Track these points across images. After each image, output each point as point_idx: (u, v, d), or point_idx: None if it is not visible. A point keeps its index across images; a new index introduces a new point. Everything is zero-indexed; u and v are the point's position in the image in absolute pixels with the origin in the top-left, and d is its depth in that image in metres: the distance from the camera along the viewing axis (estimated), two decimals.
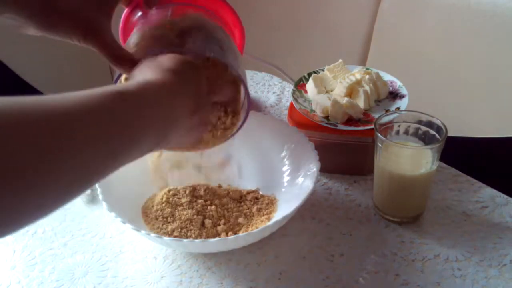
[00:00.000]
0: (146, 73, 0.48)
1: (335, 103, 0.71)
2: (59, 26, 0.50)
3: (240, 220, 0.64)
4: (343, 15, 1.32)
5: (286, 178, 0.71)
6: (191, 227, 0.62)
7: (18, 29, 0.51)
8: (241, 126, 0.59)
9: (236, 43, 0.62)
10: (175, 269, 0.62)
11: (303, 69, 0.84)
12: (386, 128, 0.66)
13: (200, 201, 0.64)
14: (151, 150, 0.45)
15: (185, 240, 0.59)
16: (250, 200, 0.67)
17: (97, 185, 0.62)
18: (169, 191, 0.66)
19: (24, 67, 1.26)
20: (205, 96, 0.52)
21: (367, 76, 0.76)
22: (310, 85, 0.79)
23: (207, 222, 0.63)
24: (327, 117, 0.73)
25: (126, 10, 0.59)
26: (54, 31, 0.50)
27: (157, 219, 0.64)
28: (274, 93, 0.97)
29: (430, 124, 0.65)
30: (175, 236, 0.61)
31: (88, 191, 0.73)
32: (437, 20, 1.15)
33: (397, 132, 0.67)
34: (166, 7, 0.59)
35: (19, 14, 0.49)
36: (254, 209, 0.66)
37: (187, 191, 0.65)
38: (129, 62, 0.51)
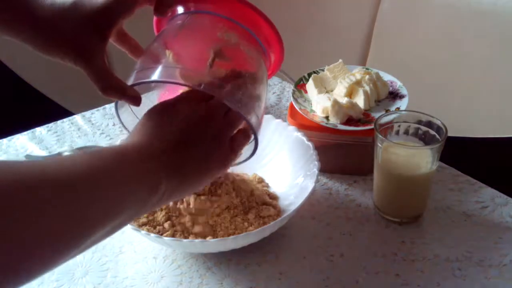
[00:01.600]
0: (135, 136, 0.48)
1: (335, 103, 0.71)
2: (51, 49, 0.49)
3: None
4: (343, 15, 1.32)
5: (286, 178, 0.71)
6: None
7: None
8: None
9: (271, 60, 0.60)
10: (175, 269, 0.62)
11: (303, 69, 0.84)
12: (386, 128, 0.66)
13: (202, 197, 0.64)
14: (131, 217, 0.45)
15: (185, 240, 0.59)
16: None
17: None
18: None
19: (24, 67, 1.26)
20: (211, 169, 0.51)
21: (367, 76, 0.76)
22: (310, 85, 0.79)
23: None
24: (327, 117, 0.73)
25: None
26: (47, 54, 0.50)
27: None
28: (274, 93, 0.97)
29: (430, 124, 0.65)
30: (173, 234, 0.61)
31: None
32: (437, 20, 1.16)
33: (397, 132, 0.67)
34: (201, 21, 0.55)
35: (14, 38, 0.49)
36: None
37: None
38: (116, 92, 0.50)
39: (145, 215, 0.63)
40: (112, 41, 0.55)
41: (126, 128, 0.56)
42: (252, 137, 0.54)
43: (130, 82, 0.51)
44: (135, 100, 0.51)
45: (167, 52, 0.53)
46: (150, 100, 0.57)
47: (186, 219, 0.62)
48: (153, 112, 0.51)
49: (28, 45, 0.50)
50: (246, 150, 0.57)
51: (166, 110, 0.50)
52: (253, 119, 0.52)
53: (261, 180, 0.72)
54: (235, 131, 0.53)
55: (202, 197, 0.63)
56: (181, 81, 0.50)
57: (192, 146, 0.49)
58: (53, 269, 0.37)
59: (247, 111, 0.51)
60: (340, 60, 0.81)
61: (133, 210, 0.43)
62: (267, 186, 0.72)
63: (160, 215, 0.62)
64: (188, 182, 0.49)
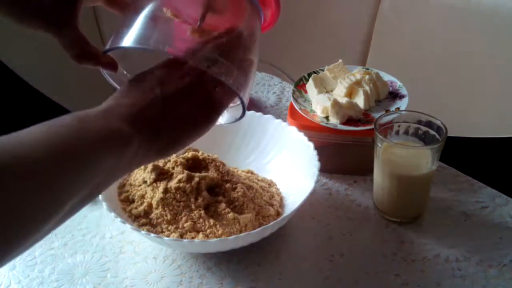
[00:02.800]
0: (111, 97, 0.47)
1: (335, 103, 0.71)
2: (26, 19, 0.50)
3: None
4: (343, 15, 1.32)
5: (286, 178, 0.71)
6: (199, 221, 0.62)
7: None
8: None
9: (266, 15, 0.58)
10: (175, 269, 0.62)
11: (303, 69, 0.84)
12: (386, 128, 0.66)
13: (204, 193, 0.64)
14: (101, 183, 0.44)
15: (185, 240, 0.59)
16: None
17: None
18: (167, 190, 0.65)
19: (24, 67, 1.26)
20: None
21: (367, 76, 0.76)
22: (310, 85, 0.79)
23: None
24: (327, 117, 0.73)
25: None
26: (24, 24, 0.50)
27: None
28: (274, 93, 0.97)
29: (430, 124, 0.65)
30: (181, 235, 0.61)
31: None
32: (437, 20, 1.15)
33: (397, 132, 0.67)
34: None
35: None
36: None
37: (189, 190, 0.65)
38: (90, 60, 0.49)
39: (145, 215, 0.63)
40: (104, 6, 0.54)
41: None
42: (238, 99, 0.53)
43: (105, 48, 0.50)
44: (111, 67, 0.51)
45: (149, 9, 0.51)
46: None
47: (187, 218, 0.62)
48: (131, 80, 0.50)
49: (6, 18, 0.50)
50: (234, 110, 0.56)
51: (143, 75, 0.50)
52: (231, 81, 0.50)
53: (265, 180, 0.72)
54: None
55: (204, 193, 0.63)
56: (154, 47, 0.48)
57: (170, 102, 0.48)
58: (22, 250, 0.38)
59: (227, 73, 0.50)
60: (340, 60, 0.81)
61: (104, 175, 0.43)
62: (274, 184, 0.72)
63: (159, 212, 0.62)
64: (165, 139, 0.48)
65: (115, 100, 0.47)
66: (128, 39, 0.48)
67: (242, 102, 0.52)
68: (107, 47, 0.49)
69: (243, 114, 0.54)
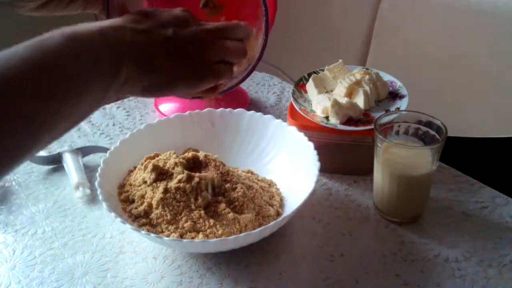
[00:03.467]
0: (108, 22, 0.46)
1: (335, 103, 0.71)
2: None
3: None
4: (343, 15, 1.32)
5: (286, 178, 0.71)
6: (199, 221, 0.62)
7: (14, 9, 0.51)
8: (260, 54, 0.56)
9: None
10: (175, 269, 0.62)
11: (303, 69, 0.84)
12: (386, 128, 0.66)
13: (203, 193, 0.64)
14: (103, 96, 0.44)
15: (185, 240, 0.59)
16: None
17: (96, 185, 0.63)
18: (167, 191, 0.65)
19: None
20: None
21: (367, 76, 0.76)
22: (310, 85, 0.79)
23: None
24: (327, 117, 0.73)
25: None
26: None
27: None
28: (274, 93, 0.97)
29: (430, 124, 0.65)
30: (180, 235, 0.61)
31: (88, 191, 0.73)
32: (437, 20, 1.15)
33: (397, 132, 0.67)
34: None
35: None
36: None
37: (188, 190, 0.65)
38: None
39: (145, 215, 0.63)
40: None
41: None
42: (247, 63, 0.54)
43: None
44: None
45: None
46: None
47: (187, 218, 0.62)
48: (144, 10, 0.50)
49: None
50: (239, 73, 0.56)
51: (161, 11, 0.49)
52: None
53: (265, 180, 0.72)
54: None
55: (203, 193, 0.63)
56: None
57: (177, 47, 0.48)
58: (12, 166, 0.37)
59: None
60: (340, 60, 0.81)
61: (93, 96, 0.42)
62: (274, 184, 0.72)
63: (159, 213, 0.62)
64: (156, 75, 0.48)
65: (121, 23, 0.46)
66: None
67: (264, 45, 0.53)
68: None
69: (252, 70, 0.55)
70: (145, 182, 0.66)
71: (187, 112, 0.77)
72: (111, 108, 0.94)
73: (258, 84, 0.99)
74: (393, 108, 0.74)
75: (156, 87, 0.49)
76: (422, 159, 0.63)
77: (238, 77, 0.62)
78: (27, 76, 0.37)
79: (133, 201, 0.66)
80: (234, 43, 0.54)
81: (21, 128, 0.36)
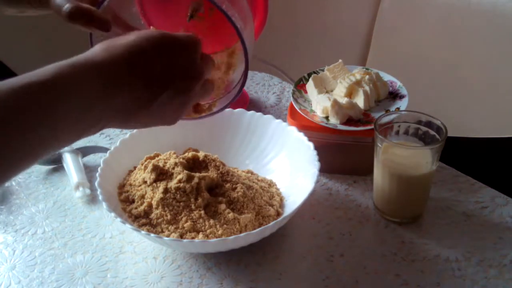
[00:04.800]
0: (95, 49, 0.44)
1: (335, 103, 0.71)
2: None
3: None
4: (343, 15, 1.32)
5: (286, 178, 0.71)
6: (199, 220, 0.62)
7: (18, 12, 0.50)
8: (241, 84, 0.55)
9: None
10: (175, 269, 0.62)
11: (303, 69, 0.84)
12: (386, 128, 0.66)
13: (204, 193, 0.64)
14: (75, 137, 0.42)
15: (185, 240, 0.59)
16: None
17: (96, 185, 0.63)
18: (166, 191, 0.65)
19: (24, 67, 1.26)
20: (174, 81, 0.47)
21: (367, 76, 0.76)
22: (310, 85, 0.79)
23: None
24: (327, 117, 0.73)
25: None
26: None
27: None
28: (274, 93, 0.97)
29: (430, 124, 0.65)
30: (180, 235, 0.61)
31: (88, 192, 0.73)
32: (437, 20, 1.16)
33: (397, 132, 0.67)
34: None
35: None
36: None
37: (189, 190, 0.65)
38: (83, 17, 0.47)
39: (145, 215, 0.63)
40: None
41: None
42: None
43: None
44: (104, 25, 0.48)
45: None
46: None
47: (187, 219, 0.62)
48: (131, 50, 0.46)
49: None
50: (223, 101, 0.56)
51: (147, 51, 0.46)
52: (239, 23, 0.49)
53: (265, 180, 0.72)
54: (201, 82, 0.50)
55: (203, 194, 0.63)
56: None
57: (164, 102, 0.46)
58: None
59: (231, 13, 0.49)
60: (340, 60, 0.81)
61: (68, 138, 0.42)
62: (274, 184, 0.72)
63: (159, 213, 0.62)
64: (132, 125, 0.47)
65: (120, 68, 0.44)
66: None
67: (245, 75, 0.53)
68: None
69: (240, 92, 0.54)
70: (145, 182, 0.66)
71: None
72: None
73: (258, 84, 0.99)
74: (393, 108, 0.74)
75: (133, 127, 0.51)
76: (422, 159, 0.63)
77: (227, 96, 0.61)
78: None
79: (133, 201, 0.66)
80: (207, 90, 0.53)
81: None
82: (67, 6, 0.47)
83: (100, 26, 0.49)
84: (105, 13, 0.50)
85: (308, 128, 0.72)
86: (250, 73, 1.03)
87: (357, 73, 0.78)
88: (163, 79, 0.46)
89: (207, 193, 0.64)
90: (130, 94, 0.44)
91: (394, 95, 0.77)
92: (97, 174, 0.64)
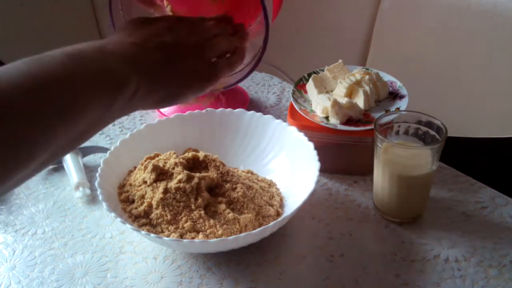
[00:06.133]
0: (111, 36, 0.45)
1: (335, 103, 0.71)
2: None
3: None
4: (343, 15, 1.32)
5: (286, 178, 0.71)
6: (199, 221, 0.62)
7: None
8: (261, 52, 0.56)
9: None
10: (175, 270, 0.62)
11: (303, 69, 0.84)
12: (386, 128, 0.66)
13: (204, 194, 0.64)
14: (100, 117, 0.42)
15: (185, 240, 0.59)
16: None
17: (96, 185, 0.63)
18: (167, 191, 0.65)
19: None
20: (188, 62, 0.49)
21: (367, 77, 0.76)
22: (310, 85, 0.79)
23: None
24: (327, 117, 0.73)
25: None
26: None
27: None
28: (274, 93, 0.97)
29: (430, 125, 0.65)
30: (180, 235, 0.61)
31: (88, 192, 0.73)
32: (437, 20, 1.15)
33: (397, 133, 0.67)
34: None
35: None
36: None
37: (188, 190, 0.65)
38: None
39: (145, 215, 0.63)
40: None
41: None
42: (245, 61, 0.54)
43: None
44: None
45: None
46: None
47: (187, 219, 0.62)
48: (136, 19, 0.49)
49: None
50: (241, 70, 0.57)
51: (154, 19, 0.48)
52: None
53: (265, 180, 0.72)
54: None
55: (203, 194, 0.63)
56: None
57: (179, 52, 0.47)
58: (5, 189, 0.36)
59: None
60: (340, 60, 0.81)
61: (93, 117, 0.40)
62: (274, 184, 0.72)
63: (159, 213, 0.62)
64: (168, 88, 0.47)
65: (118, 38, 0.45)
66: None
67: (265, 44, 0.53)
68: None
69: (258, 62, 0.55)
70: (145, 182, 0.66)
71: (187, 112, 0.77)
72: None
73: (258, 84, 0.99)
74: (393, 108, 0.74)
75: (172, 97, 0.48)
76: (422, 159, 0.63)
77: (243, 70, 0.61)
78: (23, 90, 0.35)
79: (133, 201, 0.66)
80: (225, 37, 0.54)
81: (12, 143, 0.34)
82: None
83: None
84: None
85: (308, 128, 0.72)
86: None
87: (357, 73, 0.78)
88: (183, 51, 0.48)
89: (207, 193, 0.64)
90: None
91: (394, 95, 0.77)
92: (97, 174, 0.64)
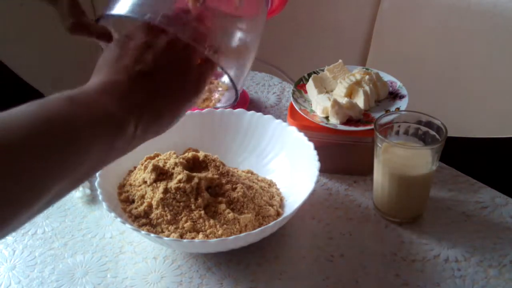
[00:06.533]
0: (101, 72, 0.44)
1: (335, 103, 0.71)
2: None
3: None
4: (343, 15, 1.32)
5: (286, 178, 0.71)
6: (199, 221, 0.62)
7: None
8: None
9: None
10: (175, 270, 0.62)
11: (303, 69, 0.84)
12: (386, 128, 0.66)
13: (204, 194, 0.64)
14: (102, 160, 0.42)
15: (185, 240, 0.59)
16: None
17: (96, 185, 0.63)
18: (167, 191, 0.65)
19: (24, 67, 1.26)
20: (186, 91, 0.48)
21: (367, 77, 0.76)
22: (310, 85, 0.79)
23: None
24: (327, 117, 0.73)
25: None
26: None
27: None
28: (274, 93, 0.97)
29: (430, 125, 0.65)
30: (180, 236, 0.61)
31: (88, 192, 0.73)
32: (437, 20, 1.15)
33: (397, 133, 0.67)
34: None
35: None
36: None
37: (189, 190, 0.65)
38: (83, 30, 0.48)
39: (145, 215, 0.63)
40: None
41: None
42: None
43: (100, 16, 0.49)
44: (105, 37, 0.50)
45: None
46: None
47: (187, 219, 0.62)
48: (113, 44, 0.48)
49: None
50: (229, 98, 0.56)
51: (125, 41, 0.47)
52: (232, 73, 0.49)
53: (265, 180, 0.72)
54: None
55: (203, 194, 0.63)
56: (147, 18, 0.45)
57: (159, 75, 0.46)
58: (9, 230, 0.36)
59: (227, 65, 0.49)
60: (340, 60, 0.81)
61: (96, 159, 0.41)
62: (274, 184, 0.72)
63: (159, 213, 0.62)
64: (162, 115, 0.46)
65: (109, 75, 0.44)
66: (121, 8, 0.46)
67: (234, 86, 0.52)
68: (98, 16, 0.48)
69: (236, 97, 0.53)
70: (145, 182, 0.66)
71: (187, 112, 0.76)
72: None
73: (258, 84, 0.99)
74: (393, 108, 0.74)
75: (169, 122, 0.49)
76: (422, 159, 0.63)
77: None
78: (23, 142, 0.35)
79: (133, 201, 0.66)
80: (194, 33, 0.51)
81: (9, 189, 0.34)
82: (67, 23, 0.48)
83: (100, 37, 0.50)
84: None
85: (308, 128, 0.72)
86: (250, 73, 1.02)
87: (357, 73, 0.78)
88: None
89: (207, 193, 0.64)
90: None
91: (394, 95, 0.77)
92: (97, 174, 0.64)
